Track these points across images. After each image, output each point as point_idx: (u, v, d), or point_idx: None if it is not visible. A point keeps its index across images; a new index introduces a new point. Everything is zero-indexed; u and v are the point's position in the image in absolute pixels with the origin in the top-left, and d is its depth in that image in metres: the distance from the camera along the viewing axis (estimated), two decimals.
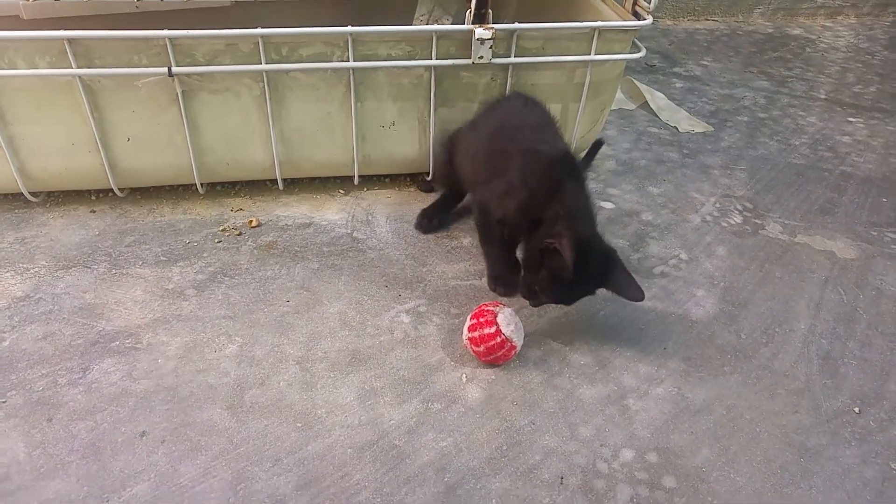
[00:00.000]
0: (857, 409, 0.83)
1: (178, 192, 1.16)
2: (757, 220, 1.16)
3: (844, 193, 1.24)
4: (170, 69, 0.96)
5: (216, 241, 1.06)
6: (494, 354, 0.83)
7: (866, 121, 1.50)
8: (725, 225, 1.14)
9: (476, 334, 0.83)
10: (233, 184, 1.18)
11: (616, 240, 1.09)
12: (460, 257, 1.05)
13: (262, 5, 0.92)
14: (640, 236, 1.11)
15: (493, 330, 0.82)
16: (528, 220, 0.86)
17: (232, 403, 0.80)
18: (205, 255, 1.03)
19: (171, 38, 0.94)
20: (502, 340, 0.82)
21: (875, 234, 1.14)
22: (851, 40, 1.94)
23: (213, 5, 0.93)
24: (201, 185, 1.12)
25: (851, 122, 1.50)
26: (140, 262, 1.00)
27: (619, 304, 0.97)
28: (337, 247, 1.05)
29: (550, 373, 0.86)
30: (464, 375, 0.85)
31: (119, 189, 1.10)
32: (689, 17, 2.00)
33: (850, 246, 1.11)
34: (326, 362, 0.86)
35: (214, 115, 1.03)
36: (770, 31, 1.98)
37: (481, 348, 0.83)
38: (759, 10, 2.03)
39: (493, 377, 0.85)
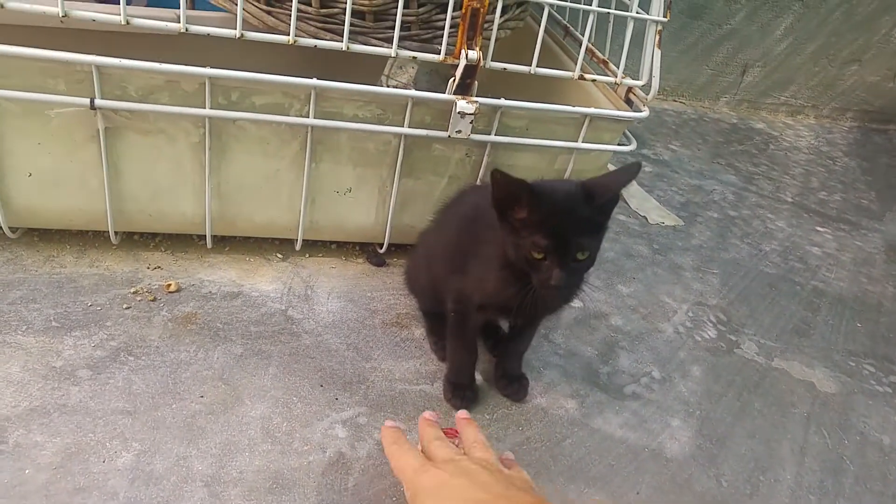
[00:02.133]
0: None
1: (86, 237, 0.97)
2: (732, 337, 1.08)
3: (818, 313, 1.18)
4: (93, 101, 0.79)
5: (125, 306, 0.88)
6: None
7: (833, 232, 1.47)
8: (699, 339, 1.05)
9: None
10: (153, 235, 1.00)
11: (584, 347, 0.98)
12: (410, 353, 0.91)
13: (218, 41, 0.77)
14: (610, 345, 1.00)
15: None
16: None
17: None
18: (108, 323, 0.85)
19: (98, 65, 0.77)
20: None
21: (853, 364, 1.08)
22: (812, 142, 1.95)
23: (160, 33, 0.78)
24: (115, 233, 0.94)
25: (819, 231, 1.47)
26: (24, 327, 0.82)
27: (586, 431, 0.85)
28: (267, 327, 0.89)
29: None
30: None
31: (10, 228, 0.91)
32: (657, 97, 1.97)
33: (830, 377, 1.04)
34: (242, 486, 0.69)
35: (141, 160, 0.86)
36: (735, 121, 1.97)
37: None
38: (724, 99, 2.03)
39: None
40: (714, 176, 1.61)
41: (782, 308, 1.17)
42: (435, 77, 1.48)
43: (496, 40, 0.95)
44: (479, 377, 0.88)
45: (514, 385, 0.87)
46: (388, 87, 1.34)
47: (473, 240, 0.78)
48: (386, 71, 1.38)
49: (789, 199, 1.58)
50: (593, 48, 1.07)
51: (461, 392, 0.84)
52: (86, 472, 0.67)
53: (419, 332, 0.94)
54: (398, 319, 0.96)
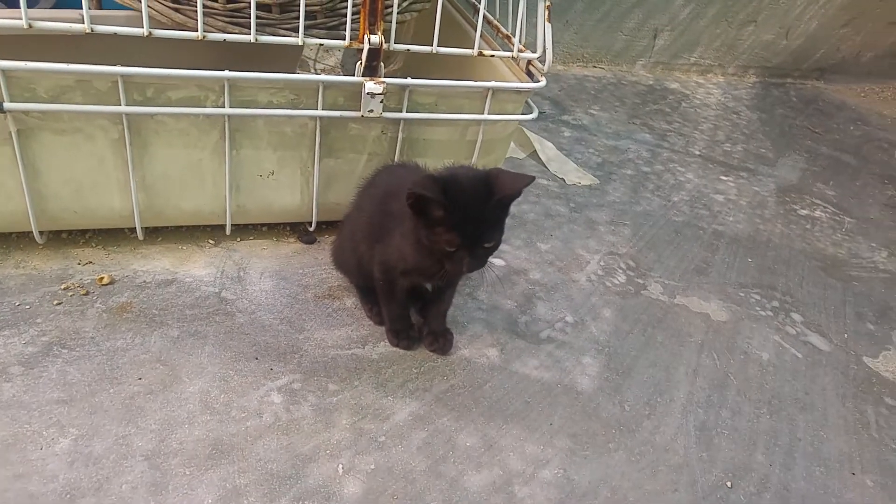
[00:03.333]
0: (729, 484, 0.85)
1: (10, 240, 1.00)
2: (640, 280, 1.18)
3: (717, 252, 1.30)
4: (1, 105, 0.82)
5: (55, 302, 0.92)
6: None
7: (735, 179, 1.60)
8: (610, 285, 1.15)
9: None
10: (83, 231, 1.03)
11: (505, 301, 1.07)
12: (342, 321, 0.97)
13: (138, 40, 0.81)
14: (528, 297, 1.09)
15: None
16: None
17: None
18: (39, 320, 0.88)
19: (3, 69, 0.80)
20: None
21: (742, 295, 1.20)
22: (720, 98, 2.08)
23: (66, 33, 0.80)
24: (41, 233, 0.96)
25: (723, 180, 1.59)
26: None
27: (505, 375, 0.94)
28: (202, 309, 0.95)
29: (435, 458, 0.81)
30: (340, 466, 0.78)
31: None
32: (578, 64, 2.06)
33: (722, 308, 1.15)
34: (182, 456, 0.75)
35: (60, 159, 0.89)
36: (651, 83, 2.08)
37: None
38: (641, 62, 2.13)
39: (372, 466, 0.78)
40: (630, 136, 1.71)
41: (685, 251, 1.29)
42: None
43: (404, 23, 1.01)
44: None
45: (439, 340, 0.95)
46: (315, 70, 1.38)
47: (391, 216, 0.85)
48: (313, 55, 1.42)
49: (697, 153, 1.69)
50: (498, 24, 1.13)
51: (404, 334, 0.93)
52: (24, 461, 0.72)
53: (351, 301, 1.01)
54: (330, 292, 1.02)
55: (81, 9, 0.79)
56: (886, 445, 0.96)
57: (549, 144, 1.53)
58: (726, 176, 1.61)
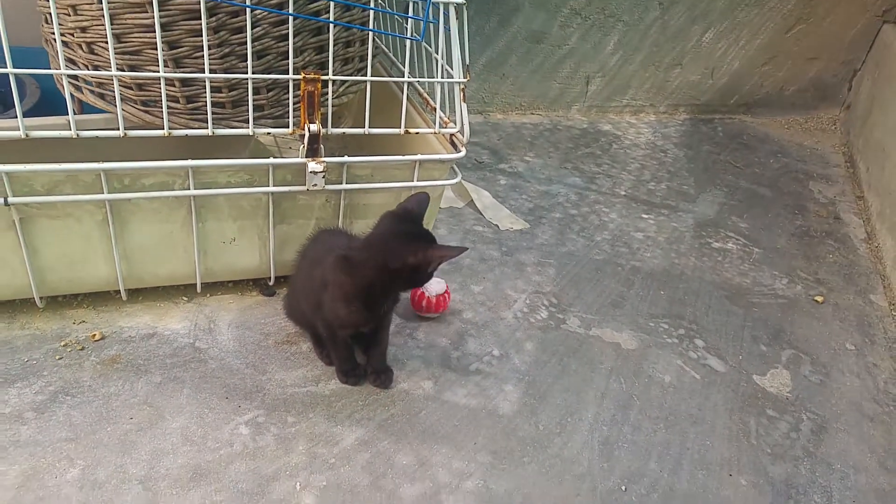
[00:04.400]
0: (623, 488, 1.03)
1: (14, 305, 1.16)
2: (560, 315, 1.37)
3: (632, 287, 1.49)
4: (6, 199, 0.99)
5: (57, 357, 1.08)
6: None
7: (655, 217, 1.80)
8: (533, 321, 1.34)
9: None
10: (76, 295, 1.20)
11: (440, 339, 1.25)
12: (299, 363, 1.15)
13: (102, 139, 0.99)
14: (461, 334, 1.27)
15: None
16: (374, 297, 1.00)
17: None
18: (45, 373, 1.05)
19: (6, 172, 0.97)
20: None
21: (652, 325, 1.39)
22: (650, 137, 2.30)
23: (56, 137, 0.98)
24: (41, 298, 1.13)
25: (644, 217, 1.79)
26: None
27: (438, 403, 1.11)
28: (179, 358, 1.12)
29: (376, 475, 0.98)
30: (298, 484, 0.95)
31: None
32: (517, 112, 2.27)
33: (633, 337, 1.34)
34: (169, 480, 0.92)
35: (55, 239, 1.07)
36: (585, 126, 2.29)
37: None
38: (576, 107, 2.35)
39: (324, 483, 0.95)
40: (561, 180, 1.91)
41: (604, 287, 1.48)
42: None
43: (341, 105, 1.20)
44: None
45: (381, 377, 1.12)
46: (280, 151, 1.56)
47: (323, 282, 1.03)
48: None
49: (623, 193, 1.90)
50: (428, 98, 1.33)
51: (351, 373, 1.11)
52: (43, 487, 0.88)
53: (306, 345, 1.18)
54: (288, 338, 1.20)
55: (66, 112, 0.97)
56: (762, 450, 1.14)
57: (486, 193, 1.72)
58: (647, 214, 1.81)
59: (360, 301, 1.00)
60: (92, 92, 1.08)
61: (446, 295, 1.27)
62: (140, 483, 0.91)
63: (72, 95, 1.08)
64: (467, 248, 0.99)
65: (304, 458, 0.98)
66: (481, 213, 1.66)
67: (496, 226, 1.62)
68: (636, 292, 1.48)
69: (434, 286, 1.24)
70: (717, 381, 1.27)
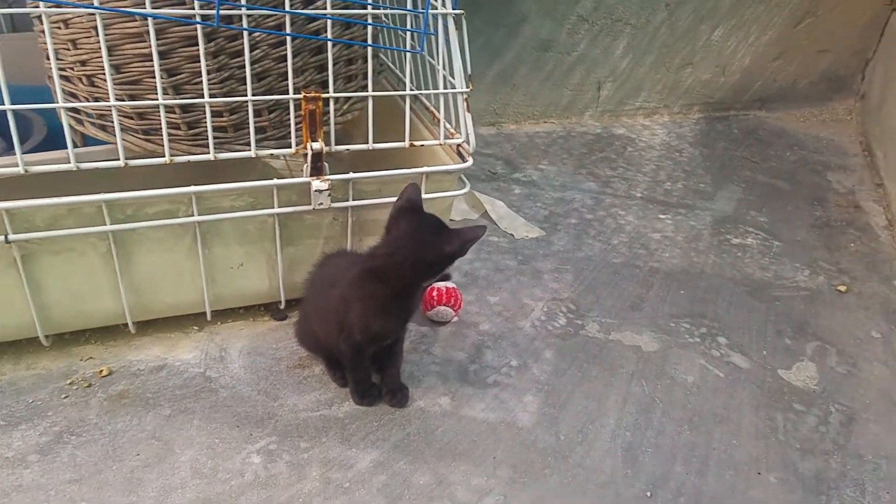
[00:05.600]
0: (649, 493, 0.97)
1: (20, 345, 1.15)
2: (578, 321, 1.32)
3: (651, 288, 1.44)
4: (6, 237, 0.99)
5: (63, 396, 1.07)
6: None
7: (673, 217, 1.75)
8: (551, 328, 1.30)
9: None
10: (83, 331, 1.19)
11: (457, 353, 1.21)
12: (311, 387, 1.12)
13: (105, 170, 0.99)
14: (478, 347, 1.23)
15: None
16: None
17: None
18: (49, 413, 1.03)
19: (7, 209, 0.97)
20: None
21: (673, 325, 1.33)
22: (665, 138, 2.25)
23: (56, 171, 0.98)
24: (46, 336, 1.13)
25: (661, 218, 1.74)
26: None
27: (455, 419, 1.07)
28: (190, 389, 1.10)
29: (392, 497, 0.94)
30: None
31: None
32: (529, 121, 2.25)
33: (654, 339, 1.29)
34: None
35: (58, 274, 1.06)
36: (599, 131, 2.26)
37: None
38: (588, 113, 2.32)
39: None
40: (576, 186, 1.87)
41: (622, 290, 1.43)
42: None
43: (346, 122, 1.19)
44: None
45: (397, 396, 1.09)
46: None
47: (347, 301, 1.00)
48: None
49: (639, 195, 1.85)
50: (434, 111, 1.30)
51: (367, 393, 1.08)
52: None
53: (318, 368, 1.16)
54: (300, 362, 1.17)
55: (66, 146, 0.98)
56: (791, 446, 1.08)
57: (500, 203, 1.69)
58: (665, 214, 1.76)
59: (395, 306, 0.99)
60: (93, 124, 1.08)
61: (457, 293, 1.25)
62: None
63: (72, 128, 1.08)
64: (486, 227, 1.01)
65: (317, 484, 0.95)
66: (496, 224, 1.62)
67: (511, 235, 1.59)
68: (655, 293, 1.43)
69: (440, 283, 1.25)
70: (741, 379, 1.21)
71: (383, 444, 1.02)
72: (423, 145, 1.21)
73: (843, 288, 1.50)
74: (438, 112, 1.21)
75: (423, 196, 1.14)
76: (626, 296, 1.41)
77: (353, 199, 1.15)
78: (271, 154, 1.10)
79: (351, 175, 1.12)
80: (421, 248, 0.95)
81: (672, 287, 1.45)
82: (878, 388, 1.22)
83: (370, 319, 0.99)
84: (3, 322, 1.08)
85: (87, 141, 1.15)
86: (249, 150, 1.08)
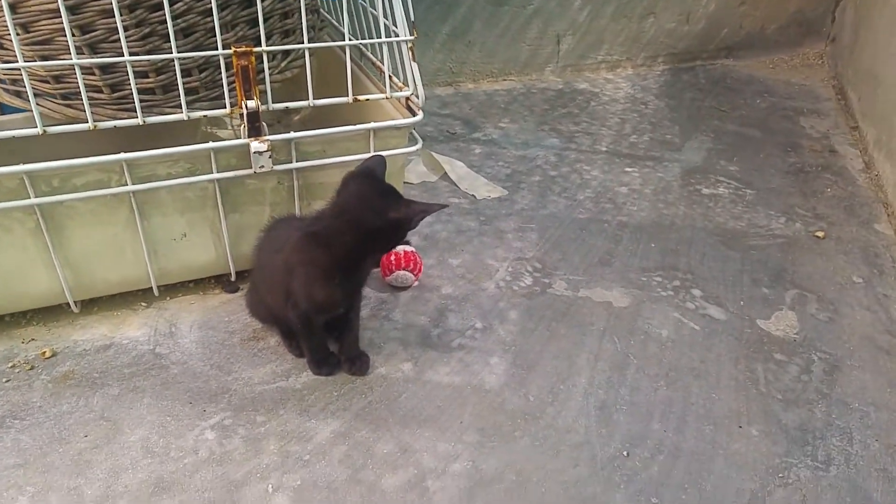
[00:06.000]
0: (625, 453, 0.95)
1: None
2: (545, 280, 1.28)
3: (620, 243, 1.41)
4: None
5: (4, 380, 1.01)
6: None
7: (640, 169, 1.71)
8: (517, 288, 1.26)
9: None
10: (23, 312, 1.12)
11: (419, 317, 1.17)
12: (267, 359, 1.07)
13: (38, 137, 0.91)
14: (441, 311, 1.19)
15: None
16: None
17: None
18: None
19: None
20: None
21: (644, 279, 1.30)
22: (629, 91, 2.20)
23: None
24: None
25: (628, 171, 1.70)
26: None
27: (419, 385, 1.03)
28: (139, 367, 1.04)
29: (355, 467, 0.90)
30: (270, 486, 0.87)
31: None
32: (488, 80, 2.18)
33: (625, 294, 1.26)
34: (128, 497, 0.85)
35: None
36: (560, 87, 2.20)
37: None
38: (549, 68, 2.26)
39: (298, 482, 0.88)
40: (538, 143, 1.82)
41: (590, 246, 1.39)
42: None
43: (283, 81, 1.11)
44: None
45: (356, 363, 1.05)
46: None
47: (290, 267, 0.95)
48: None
49: (604, 149, 1.81)
50: (380, 65, 1.24)
51: (325, 363, 1.03)
52: None
53: (274, 340, 1.10)
54: (255, 334, 1.12)
55: None
56: (772, 397, 1.06)
57: (460, 164, 1.64)
58: (631, 167, 1.72)
59: (339, 275, 0.93)
60: (6, 90, 0.99)
61: (417, 257, 1.20)
62: None
63: None
64: (447, 206, 0.93)
65: (275, 458, 0.91)
66: (456, 185, 1.57)
67: (473, 196, 1.54)
68: (625, 248, 1.40)
69: (398, 247, 1.19)
70: (718, 331, 1.19)
71: (344, 414, 0.98)
72: (367, 99, 1.14)
73: (820, 234, 1.48)
74: (383, 64, 1.14)
75: (371, 153, 1.09)
76: (594, 252, 1.38)
77: (298, 161, 1.09)
78: (205, 115, 1.03)
79: (292, 135, 1.06)
80: (365, 213, 0.90)
81: (642, 240, 1.42)
82: (861, 333, 1.20)
83: (313, 288, 0.93)
84: None
85: (4, 110, 1.06)
86: (180, 112, 1.00)
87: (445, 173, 1.60)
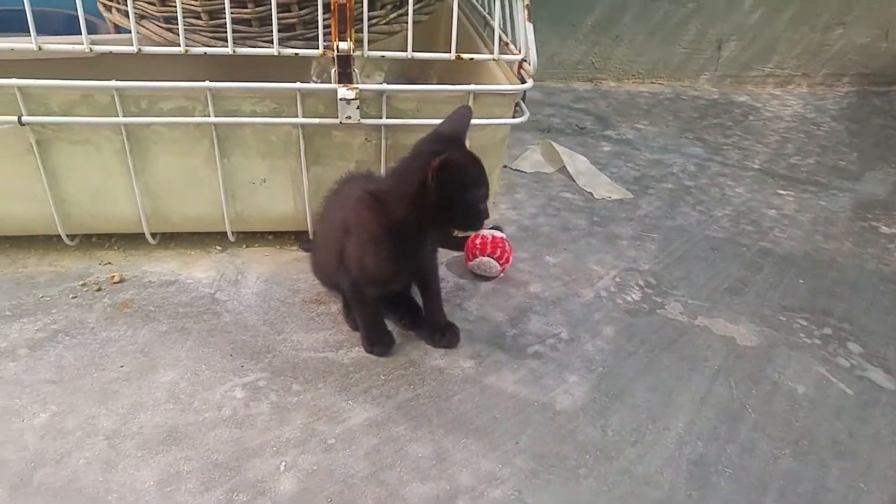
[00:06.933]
0: None
1: (50, 242, 1.10)
2: (657, 298, 1.08)
3: (759, 272, 1.16)
4: (20, 118, 0.92)
5: (71, 296, 1.00)
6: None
7: (798, 194, 1.44)
8: (620, 302, 1.07)
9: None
10: (109, 236, 1.13)
11: (496, 312, 1.02)
12: (322, 325, 0.97)
13: (130, 58, 0.89)
14: (523, 310, 1.03)
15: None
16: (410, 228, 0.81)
17: (18, 483, 0.73)
18: (54, 311, 0.97)
19: (20, 87, 0.90)
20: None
21: (784, 319, 1.05)
22: (799, 110, 1.89)
23: (72, 56, 0.90)
24: (69, 237, 1.06)
25: (781, 194, 1.43)
26: None
27: (477, 388, 0.89)
28: (193, 308, 0.99)
29: (380, 466, 0.77)
30: (283, 463, 0.77)
31: None
32: (633, 80, 1.97)
33: (753, 332, 1.02)
34: (138, 439, 0.78)
35: (75, 167, 0.99)
36: (715, 97, 1.94)
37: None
38: (705, 76, 2.00)
39: (315, 467, 0.77)
40: (678, 150, 1.60)
41: (720, 269, 1.16)
42: (403, 81, 1.55)
43: (390, 34, 1.02)
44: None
45: (445, 335, 0.93)
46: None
47: (344, 228, 0.85)
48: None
49: (755, 167, 1.54)
50: (497, 28, 1.11)
51: (378, 342, 0.92)
52: (5, 431, 0.78)
53: (336, 307, 1.01)
54: (318, 297, 1.03)
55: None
56: None
57: (582, 158, 1.46)
58: (786, 190, 1.45)
59: (392, 243, 0.81)
60: (118, 10, 0.99)
61: (506, 245, 1.06)
62: (106, 438, 0.78)
63: (103, 19, 1.00)
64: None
65: (298, 434, 0.80)
66: (573, 180, 1.40)
67: (590, 193, 1.36)
68: (764, 278, 1.15)
69: (487, 231, 1.05)
70: (880, 401, 0.92)
71: (385, 402, 0.85)
72: (472, 59, 1.01)
73: None
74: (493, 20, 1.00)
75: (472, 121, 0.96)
76: (723, 276, 1.15)
77: (388, 118, 0.98)
78: (296, 53, 0.95)
79: (384, 86, 0.96)
80: (408, 178, 0.77)
81: (787, 274, 1.16)
82: None
83: (364, 253, 0.82)
84: (23, 212, 1.02)
85: (121, 32, 1.06)
86: (272, 47, 0.93)
87: (564, 167, 1.44)
